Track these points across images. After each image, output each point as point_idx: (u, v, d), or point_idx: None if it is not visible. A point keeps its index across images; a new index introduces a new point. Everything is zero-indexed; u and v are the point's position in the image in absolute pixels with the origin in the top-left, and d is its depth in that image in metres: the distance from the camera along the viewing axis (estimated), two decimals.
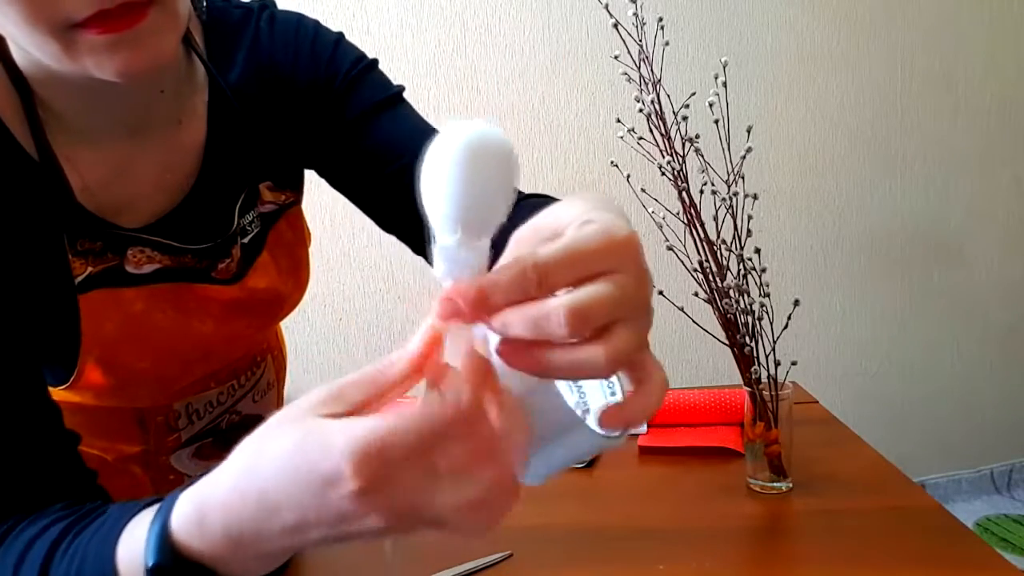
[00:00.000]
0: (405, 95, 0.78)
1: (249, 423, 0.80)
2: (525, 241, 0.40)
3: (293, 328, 2.19)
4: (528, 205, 0.71)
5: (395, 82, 0.77)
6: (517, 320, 0.34)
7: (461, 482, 0.34)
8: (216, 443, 0.79)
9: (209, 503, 0.40)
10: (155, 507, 0.44)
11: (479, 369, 0.35)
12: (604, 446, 0.42)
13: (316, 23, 0.76)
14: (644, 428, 1.07)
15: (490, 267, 0.37)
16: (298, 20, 0.75)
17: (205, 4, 0.71)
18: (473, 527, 0.35)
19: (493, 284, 0.35)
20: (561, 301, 0.34)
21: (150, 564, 0.41)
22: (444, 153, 0.35)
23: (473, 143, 0.35)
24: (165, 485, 0.78)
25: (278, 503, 0.37)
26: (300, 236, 0.81)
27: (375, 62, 0.77)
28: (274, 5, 0.75)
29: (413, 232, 0.76)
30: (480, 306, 0.35)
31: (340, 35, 0.76)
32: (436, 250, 0.37)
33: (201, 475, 0.41)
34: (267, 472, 0.37)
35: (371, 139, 0.75)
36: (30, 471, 0.58)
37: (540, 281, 0.34)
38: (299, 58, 0.73)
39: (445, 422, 0.34)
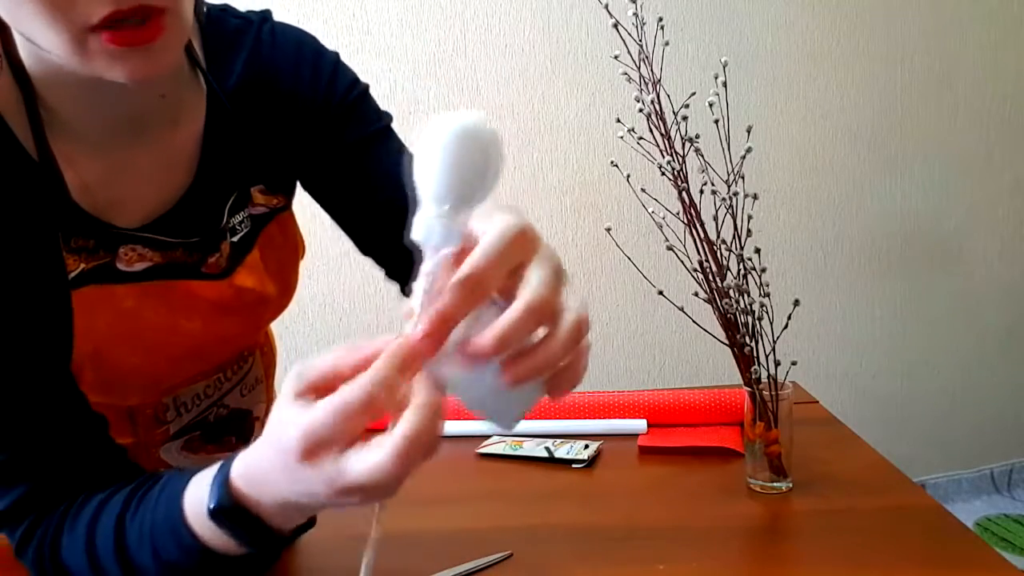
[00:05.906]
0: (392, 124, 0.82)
1: (237, 417, 0.81)
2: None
3: (293, 328, 2.20)
4: None
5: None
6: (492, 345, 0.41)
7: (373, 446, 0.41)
8: (204, 436, 0.80)
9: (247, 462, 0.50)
10: (215, 466, 0.51)
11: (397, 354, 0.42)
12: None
13: (315, 39, 0.78)
14: (644, 427, 1.07)
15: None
16: (300, 35, 0.77)
17: (205, 9, 0.72)
18: (387, 478, 0.41)
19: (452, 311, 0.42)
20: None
21: (211, 506, 0.49)
22: (440, 136, 0.41)
23: (465, 129, 0.41)
24: None
25: (273, 467, 0.46)
26: (291, 241, 0.82)
27: (367, 87, 0.79)
28: (273, 18, 0.77)
29: (391, 258, 0.81)
30: (440, 334, 0.42)
31: (337, 55, 0.78)
32: (419, 217, 0.42)
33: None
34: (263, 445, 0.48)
35: (366, 167, 0.78)
36: (72, 456, 0.62)
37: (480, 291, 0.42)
38: (301, 73, 0.75)
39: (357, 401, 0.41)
